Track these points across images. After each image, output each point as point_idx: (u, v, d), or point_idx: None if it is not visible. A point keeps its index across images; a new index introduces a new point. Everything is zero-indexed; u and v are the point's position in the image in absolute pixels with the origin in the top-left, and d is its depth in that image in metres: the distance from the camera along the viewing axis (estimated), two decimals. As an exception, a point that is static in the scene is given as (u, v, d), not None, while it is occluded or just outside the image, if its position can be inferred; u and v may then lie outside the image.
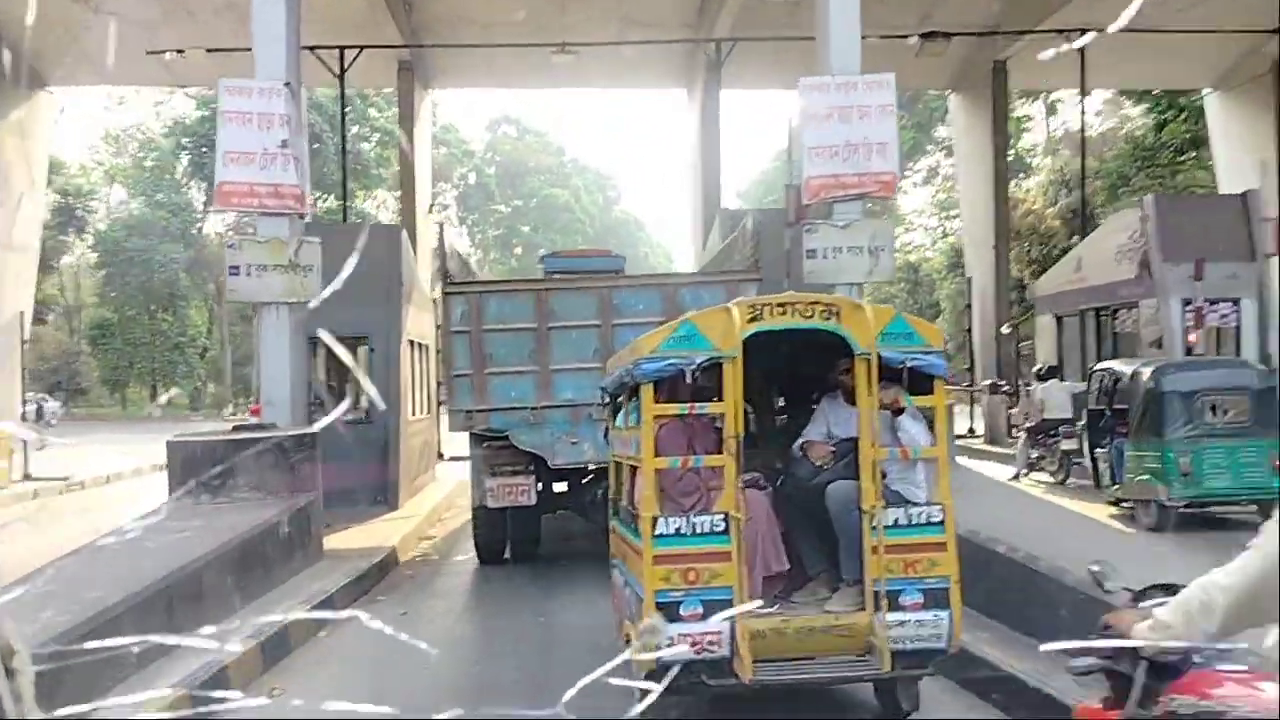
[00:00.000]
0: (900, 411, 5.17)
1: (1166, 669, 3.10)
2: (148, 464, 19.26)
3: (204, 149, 41.75)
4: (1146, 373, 10.55)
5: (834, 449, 5.46)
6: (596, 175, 71.87)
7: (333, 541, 10.57)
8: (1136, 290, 15.40)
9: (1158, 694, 3.07)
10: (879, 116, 10.73)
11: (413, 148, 22.31)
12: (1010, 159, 26.93)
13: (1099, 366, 12.50)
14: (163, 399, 48.79)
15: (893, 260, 11.34)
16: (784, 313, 5.05)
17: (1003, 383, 20.68)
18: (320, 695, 5.99)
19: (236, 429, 10.48)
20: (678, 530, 4.90)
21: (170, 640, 1.36)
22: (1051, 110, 38.91)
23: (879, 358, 4.99)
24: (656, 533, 4.89)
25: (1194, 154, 30.10)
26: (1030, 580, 6.18)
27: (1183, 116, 29.41)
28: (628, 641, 5.53)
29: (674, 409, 5.14)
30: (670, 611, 4.73)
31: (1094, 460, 11.98)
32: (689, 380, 5.10)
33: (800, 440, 5.68)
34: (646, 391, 5.06)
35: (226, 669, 6.02)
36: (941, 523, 5.02)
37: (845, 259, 10.76)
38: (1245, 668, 2.70)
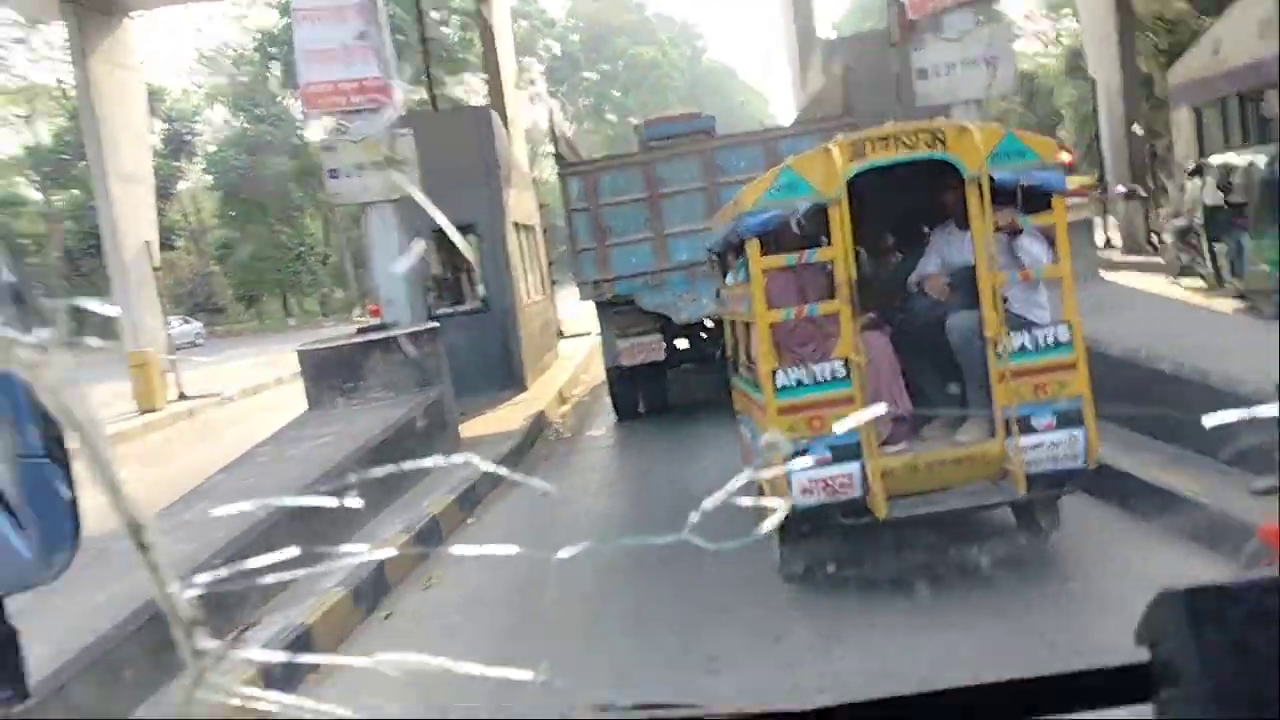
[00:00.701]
0: (1018, 233, 5.00)
1: None
2: (288, 373, 20.05)
3: (293, 57, 41.89)
4: (1262, 161, 10.59)
5: (950, 280, 5.33)
6: (682, 27, 69.50)
7: (468, 429, 10.78)
8: (1286, 66, 14.01)
9: None
10: (984, -90, 9.75)
11: (492, 23, 21.71)
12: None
13: (1214, 160, 12.32)
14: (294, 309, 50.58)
15: (1014, 69, 10.48)
16: (886, 146, 4.89)
17: (1137, 187, 19.38)
18: (473, 584, 6.13)
19: (360, 331, 10.62)
20: (799, 380, 4.91)
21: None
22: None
23: (991, 180, 4.81)
24: (778, 385, 4.92)
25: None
26: (1204, 396, 5.75)
27: None
28: (761, 493, 5.50)
29: (783, 260, 5.05)
30: (799, 458, 4.76)
31: (1213, 255, 11.97)
32: (795, 229, 4.97)
33: (915, 275, 5.55)
34: (753, 246, 4.99)
35: (383, 564, 6.18)
36: (1069, 342, 4.90)
37: (960, 75, 9.99)
38: None
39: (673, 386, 11.75)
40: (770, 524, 1.32)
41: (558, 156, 11.01)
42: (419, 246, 10.26)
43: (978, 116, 10.07)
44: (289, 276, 48.77)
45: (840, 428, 4.57)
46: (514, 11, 35.19)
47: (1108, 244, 20.35)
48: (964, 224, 5.08)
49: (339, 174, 10.62)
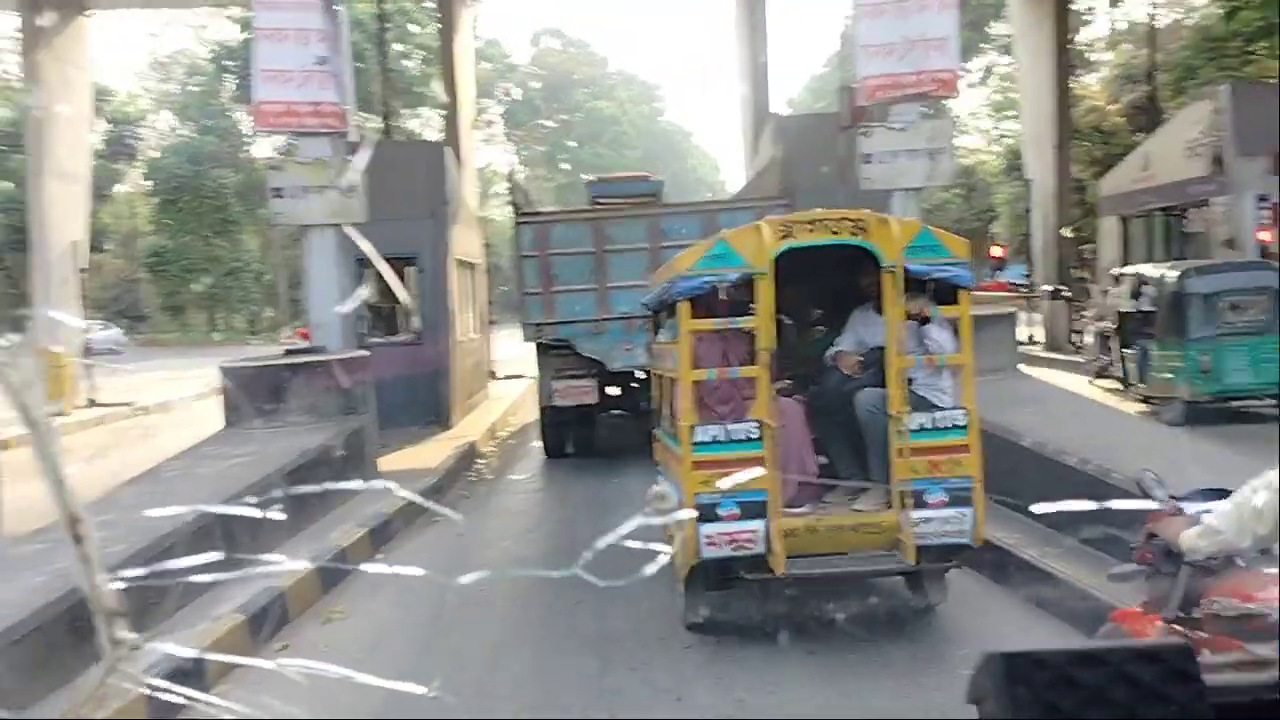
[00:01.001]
0: (927, 321, 5.41)
1: (1208, 572, 2.94)
2: (209, 388, 19.55)
3: (249, 72, 41.50)
4: (1172, 276, 11.32)
5: (862, 358, 5.70)
6: (642, 86, 70.58)
7: (387, 463, 10.63)
8: (1208, 187, 14.77)
9: (1199, 597, 2.93)
10: (939, 9, 10.14)
11: (454, 61, 21.86)
12: (1070, 54, 25.71)
13: (1128, 271, 13.11)
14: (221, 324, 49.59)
15: (953, 163, 10.90)
16: (813, 230, 5.31)
17: (1064, 288, 20.09)
18: (379, 617, 6.04)
19: (287, 353, 10.48)
20: (715, 438, 5.22)
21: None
22: (1114, 1, 37.07)
23: (905, 270, 5.21)
24: (695, 440, 5.22)
25: (1266, 43, 28.44)
26: (1105, 494, 5.99)
27: (1256, 3, 27.72)
28: (671, 541, 5.69)
29: (710, 324, 5.37)
30: (709, 512, 5.09)
31: (1123, 360, 12.68)
32: (724, 296, 5.31)
33: (831, 350, 5.92)
34: (683, 308, 5.32)
35: (285, 593, 6.06)
36: (965, 426, 5.28)
37: (903, 163, 10.34)
38: None
39: (601, 431, 12.06)
40: (656, 567, 1.45)
41: (514, 204, 11.59)
42: (365, 291, 10.37)
43: (916, 205, 10.42)
44: (219, 291, 47.79)
45: (725, 483, 4.89)
46: (477, 53, 35.46)
47: (1030, 340, 20.99)
48: (880, 307, 5.42)
49: (283, 193, 10.55)
